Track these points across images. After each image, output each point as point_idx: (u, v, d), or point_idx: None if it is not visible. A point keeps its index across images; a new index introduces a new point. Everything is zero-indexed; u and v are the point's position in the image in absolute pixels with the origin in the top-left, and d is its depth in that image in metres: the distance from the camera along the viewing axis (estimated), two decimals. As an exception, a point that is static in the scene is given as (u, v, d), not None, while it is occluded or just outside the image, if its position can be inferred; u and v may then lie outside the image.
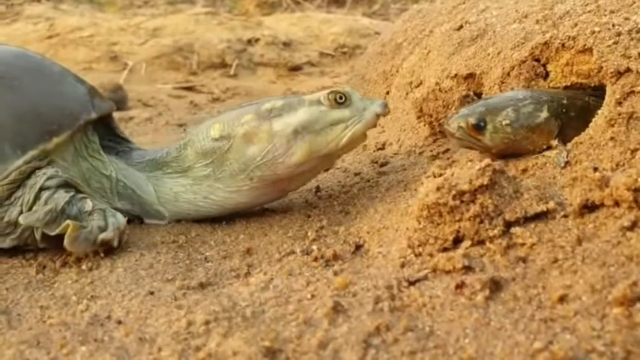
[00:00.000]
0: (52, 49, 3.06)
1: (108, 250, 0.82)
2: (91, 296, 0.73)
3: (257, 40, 3.13)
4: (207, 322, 0.63)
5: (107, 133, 1.00)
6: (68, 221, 0.79)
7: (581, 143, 0.81)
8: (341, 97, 0.89)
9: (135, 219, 0.96)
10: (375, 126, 0.92)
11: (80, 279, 0.77)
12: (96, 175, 0.94)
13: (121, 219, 0.85)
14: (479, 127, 0.84)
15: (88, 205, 0.85)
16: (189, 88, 2.65)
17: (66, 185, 0.86)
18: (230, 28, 3.28)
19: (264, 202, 0.97)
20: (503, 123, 0.83)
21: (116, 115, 2.04)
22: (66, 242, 0.79)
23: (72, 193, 0.85)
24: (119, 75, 2.76)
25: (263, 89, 2.58)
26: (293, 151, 0.88)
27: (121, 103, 2.25)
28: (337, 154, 0.93)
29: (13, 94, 0.88)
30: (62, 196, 0.83)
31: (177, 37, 3.11)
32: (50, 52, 3.02)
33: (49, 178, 0.85)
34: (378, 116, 0.90)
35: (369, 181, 1.03)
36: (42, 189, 0.83)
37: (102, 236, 0.80)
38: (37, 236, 0.82)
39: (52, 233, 0.80)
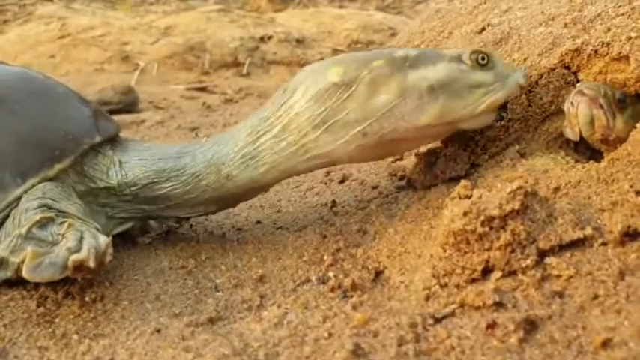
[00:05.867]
0: (64, 49, 3.03)
1: (90, 272, 0.71)
2: (94, 334, 0.68)
3: (269, 37, 3.08)
4: (216, 369, 0.58)
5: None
6: (28, 248, 0.71)
7: (617, 160, 0.75)
8: (483, 58, 0.80)
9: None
10: (513, 96, 0.84)
11: (83, 313, 0.72)
12: (103, 194, 0.87)
13: (102, 239, 0.73)
14: (622, 103, 0.78)
15: (64, 226, 0.75)
16: (201, 89, 2.60)
17: (46, 206, 0.77)
18: (242, 25, 3.23)
19: (361, 161, 0.91)
20: None
21: (127, 118, 2.02)
22: (24, 272, 0.70)
23: (48, 215, 0.76)
24: (131, 76, 2.72)
25: (276, 89, 2.52)
26: (424, 110, 0.78)
27: (132, 106, 2.22)
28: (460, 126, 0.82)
29: (14, 119, 0.84)
30: (31, 218, 0.75)
31: (189, 35, 3.06)
32: (62, 52, 3.00)
33: (29, 200, 0.78)
34: (520, 87, 0.82)
35: (387, 196, 0.98)
36: (21, 212, 0.77)
37: (73, 257, 0.69)
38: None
39: (17, 261, 0.72)
